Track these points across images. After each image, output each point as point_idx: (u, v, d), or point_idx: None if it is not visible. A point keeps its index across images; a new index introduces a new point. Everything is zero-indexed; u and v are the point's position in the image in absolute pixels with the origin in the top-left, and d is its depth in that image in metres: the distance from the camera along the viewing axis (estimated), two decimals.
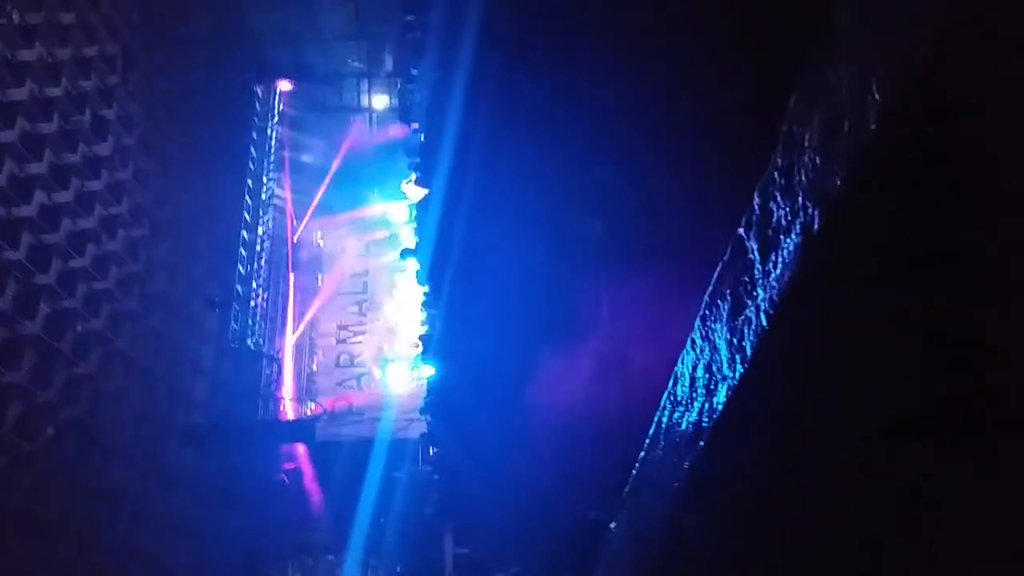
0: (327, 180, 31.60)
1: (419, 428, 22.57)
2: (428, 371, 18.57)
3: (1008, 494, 1.44)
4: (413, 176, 17.94)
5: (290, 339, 29.71)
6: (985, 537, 1.57)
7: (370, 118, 32.30)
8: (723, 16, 4.59)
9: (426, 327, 18.09)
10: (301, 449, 26.51)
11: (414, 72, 16.90)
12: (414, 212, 18.10)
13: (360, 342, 29.61)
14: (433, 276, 16.47)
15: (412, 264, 18.30)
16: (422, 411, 19.93)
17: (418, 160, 17.31)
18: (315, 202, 31.66)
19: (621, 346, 8.58)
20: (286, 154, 30.95)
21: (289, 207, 31.39)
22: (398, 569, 24.92)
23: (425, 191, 16.68)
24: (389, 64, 29.84)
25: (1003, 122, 1.09)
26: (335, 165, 31.77)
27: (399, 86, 24.00)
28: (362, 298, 30.48)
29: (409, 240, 18.60)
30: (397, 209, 29.63)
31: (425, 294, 17.77)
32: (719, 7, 4.77)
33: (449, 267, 14.80)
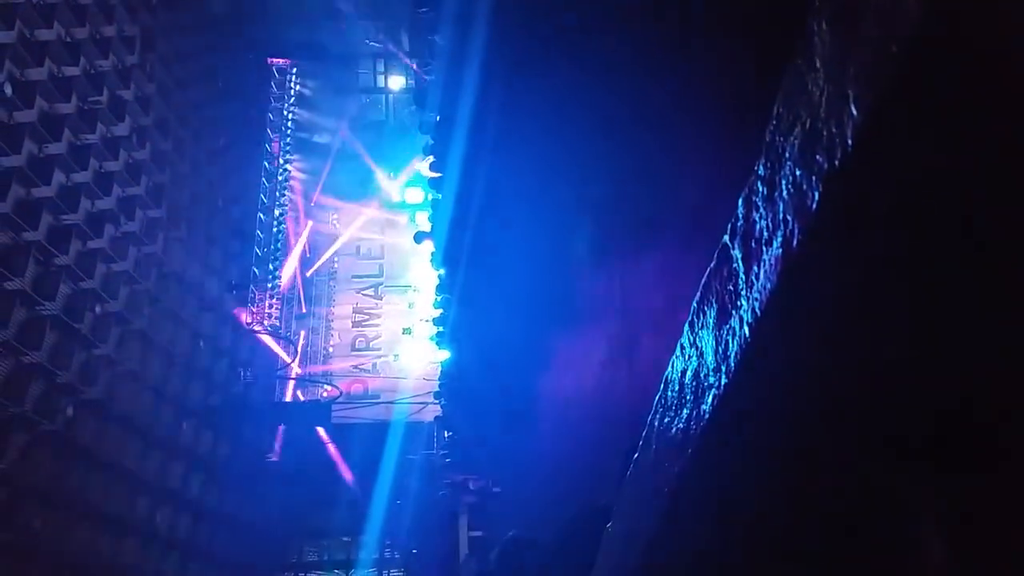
0: (343, 161, 31.61)
1: (434, 411, 22.67)
2: (443, 355, 18.62)
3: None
4: (428, 158, 17.88)
5: (307, 321, 29.88)
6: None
7: (386, 99, 32.24)
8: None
9: (441, 310, 18.11)
10: (317, 431, 26.72)
11: (429, 53, 16.82)
12: (429, 194, 18.07)
13: (376, 325, 29.73)
14: (448, 260, 16.48)
15: (427, 247, 18.29)
16: (436, 395, 20.01)
17: (433, 142, 17.24)
18: (331, 183, 31.71)
19: (637, 331, 8.56)
20: (302, 135, 30.97)
21: (305, 189, 31.45)
22: (414, 551, 25.13)
23: (440, 173, 16.64)
24: (406, 44, 29.75)
25: (981, 134, 1.04)
26: (351, 146, 31.76)
27: (415, 66, 23.92)
28: (378, 281, 30.56)
29: (424, 223, 18.58)
30: (412, 191, 29.65)
31: (440, 277, 17.77)
32: None
33: (464, 251, 14.79)
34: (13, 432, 14.71)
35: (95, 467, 17.08)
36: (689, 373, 1.96)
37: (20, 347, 14.77)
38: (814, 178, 1.22)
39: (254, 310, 26.05)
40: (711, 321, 1.76)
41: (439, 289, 18.00)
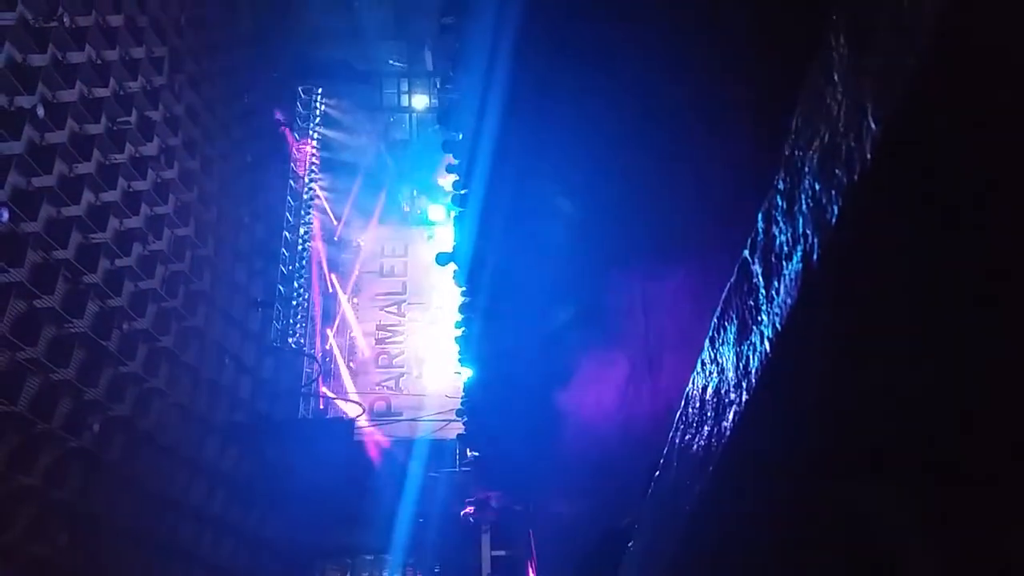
0: (368, 180, 31.86)
1: (457, 429, 22.64)
2: (466, 373, 18.62)
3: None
4: (452, 177, 17.97)
5: (330, 339, 30.01)
6: None
7: (410, 118, 32.51)
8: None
9: (464, 329, 18.12)
10: (340, 449, 26.72)
11: (452, 73, 16.96)
12: (452, 213, 18.15)
13: (399, 343, 29.83)
14: (471, 278, 16.50)
15: (450, 266, 18.34)
16: (459, 413, 19.99)
17: (457, 161, 17.34)
18: (356, 202, 31.96)
19: (659, 348, 8.51)
20: (327, 154, 31.25)
21: (330, 207, 31.69)
22: (436, 569, 25.02)
23: (463, 192, 16.71)
24: (429, 63, 30.01)
25: (1002, 144, 1.03)
26: (375, 165, 32.03)
27: (438, 86, 24.11)
28: (401, 299, 30.71)
29: (447, 241, 18.66)
30: (435, 209, 29.82)
31: (463, 295, 17.80)
32: None
33: (487, 269, 14.81)
34: (42, 448, 14.87)
35: (121, 483, 17.21)
36: (710, 390, 1.94)
37: (49, 364, 14.94)
38: (833, 192, 1.21)
39: (278, 327, 26.23)
40: (731, 337, 1.75)
41: (462, 307, 18.02)
